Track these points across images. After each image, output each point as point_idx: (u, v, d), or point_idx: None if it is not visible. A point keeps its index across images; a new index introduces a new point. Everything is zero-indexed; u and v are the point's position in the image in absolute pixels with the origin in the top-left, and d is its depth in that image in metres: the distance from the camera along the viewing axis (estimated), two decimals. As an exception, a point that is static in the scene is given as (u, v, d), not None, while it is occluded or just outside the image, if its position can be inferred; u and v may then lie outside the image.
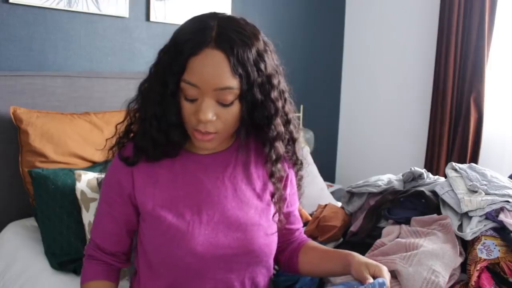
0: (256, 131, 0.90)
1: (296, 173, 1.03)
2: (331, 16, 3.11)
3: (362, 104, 3.18)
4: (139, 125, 0.90)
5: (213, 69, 0.78)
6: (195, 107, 0.81)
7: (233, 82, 0.79)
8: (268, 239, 0.92)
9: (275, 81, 0.86)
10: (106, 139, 0.96)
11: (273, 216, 0.96)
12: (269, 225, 0.93)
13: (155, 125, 0.85)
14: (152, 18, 2.06)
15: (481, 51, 2.44)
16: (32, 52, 1.72)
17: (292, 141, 0.96)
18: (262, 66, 0.82)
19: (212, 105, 0.80)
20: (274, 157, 0.91)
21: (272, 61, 0.86)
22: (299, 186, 1.05)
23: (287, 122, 0.93)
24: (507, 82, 2.49)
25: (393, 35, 2.94)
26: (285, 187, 1.00)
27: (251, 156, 0.96)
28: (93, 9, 1.85)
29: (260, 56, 0.82)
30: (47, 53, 1.76)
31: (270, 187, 0.97)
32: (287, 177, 1.00)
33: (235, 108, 0.83)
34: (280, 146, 0.91)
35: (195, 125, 0.83)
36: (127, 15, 1.97)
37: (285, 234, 1.03)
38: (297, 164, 1.01)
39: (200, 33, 0.78)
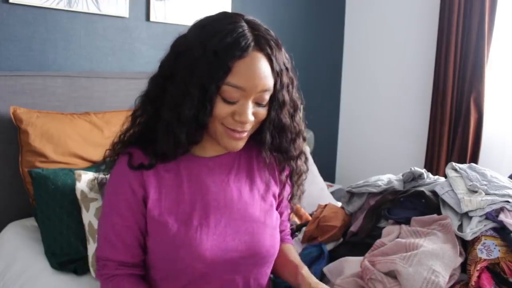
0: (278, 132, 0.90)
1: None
2: (331, 16, 3.11)
3: (362, 104, 3.18)
4: (159, 130, 0.84)
5: (260, 72, 0.79)
6: (233, 108, 0.81)
7: (272, 83, 0.82)
8: (273, 240, 0.93)
9: (295, 80, 0.89)
10: (105, 157, 0.92)
11: (289, 214, 0.98)
12: (273, 226, 0.94)
13: (184, 129, 0.82)
14: (152, 18, 2.06)
15: (481, 51, 2.44)
16: (32, 52, 1.72)
17: (303, 140, 0.97)
18: (288, 66, 0.86)
19: (252, 106, 0.82)
20: (296, 153, 0.93)
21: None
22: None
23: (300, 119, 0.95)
24: (507, 82, 2.49)
25: (393, 35, 2.94)
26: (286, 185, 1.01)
27: (253, 158, 0.97)
28: (93, 9, 1.84)
29: (285, 57, 0.86)
30: (47, 53, 1.76)
31: (273, 189, 0.98)
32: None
33: (266, 108, 0.85)
34: (301, 143, 0.94)
35: (230, 125, 0.83)
36: (127, 15, 1.96)
37: None
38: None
39: (242, 35, 0.78)
